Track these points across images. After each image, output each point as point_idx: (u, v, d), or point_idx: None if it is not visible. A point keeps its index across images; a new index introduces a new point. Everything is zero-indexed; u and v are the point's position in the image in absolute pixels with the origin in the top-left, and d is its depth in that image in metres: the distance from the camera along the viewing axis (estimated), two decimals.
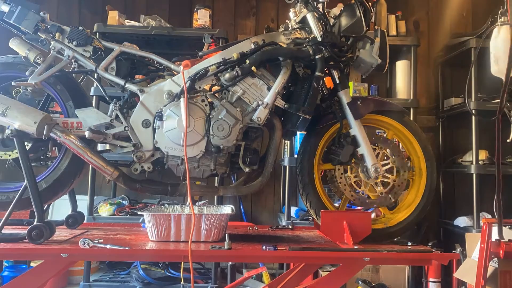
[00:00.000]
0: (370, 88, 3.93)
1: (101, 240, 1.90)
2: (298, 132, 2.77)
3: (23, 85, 2.09)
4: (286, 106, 2.07)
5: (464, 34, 3.99)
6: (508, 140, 3.39)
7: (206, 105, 2.05)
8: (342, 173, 2.18)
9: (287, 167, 3.68)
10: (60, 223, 2.36)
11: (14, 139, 1.97)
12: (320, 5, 2.15)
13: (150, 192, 2.14)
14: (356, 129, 2.15)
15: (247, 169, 2.10)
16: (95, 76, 2.24)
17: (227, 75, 2.04)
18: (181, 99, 1.99)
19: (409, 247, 2.08)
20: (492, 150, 3.70)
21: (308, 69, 2.13)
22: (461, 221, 3.77)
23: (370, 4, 2.18)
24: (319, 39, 2.09)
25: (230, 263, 3.29)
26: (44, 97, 2.21)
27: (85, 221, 2.59)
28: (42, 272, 1.89)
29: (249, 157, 2.10)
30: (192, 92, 2.06)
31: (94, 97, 3.56)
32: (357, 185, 2.20)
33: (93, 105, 2.48)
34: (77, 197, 2.44)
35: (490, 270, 2.31)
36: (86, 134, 2.00)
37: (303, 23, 2.19)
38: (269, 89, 2.06)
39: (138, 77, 2.20)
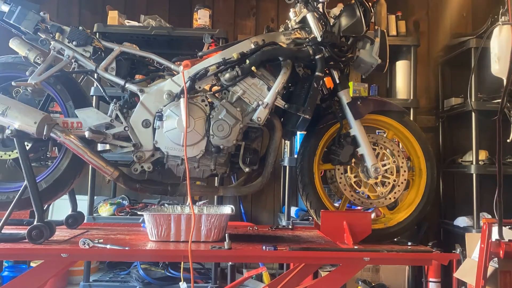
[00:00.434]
0: (370, 88, 3.93)
1: (101, 240, 1.90)
2: (298, 132, 2.77)
3: (23, 85, 2.09)
4: (286, 106, 2.07)
5: (464, 34, 4.00)
6: (508, 140, 3.39)
7: (206, 105, 2.05)
8: (342, 173, 2.18)
9: (287, 167, 3.68)
10: (60, 223, 2.36)
11: (14, 139, 1.97)
12: (320, 5, 2.15)
13: (150, 192, 2.14)
14: (356, 129, 2.15)
15: (247, 169, 2.10)
16: (95, 76, 2.24)
17: (227, 75, 2.04)
18: (181, 99, 1.99)
19: (409, 247, 2.08)
20: (492, 150, 3.70)
21: (308, 69, 2.13)
22: (461, 221, 3.77)
23: (370, 4, 2.18)
24: (319, 39, 2.09)
25: (230, 263, 3.29)
26: (44, 97, 2.21)
27: (85, 221, 2.59)
28: (42, 272, 1.89)
29: (249, 157, 2.10)
30: (192, 92, 2.06)
31: (94, 97, 3.56)
32: (357, 185, 2.20)
33: (93, 105, 2.48)
34: (77, 197, 2.44)
35: (490, 270, 2.31)
36: (86, 134, 2.00)
37: (303, 23, 2.19)
38: (269, 89, 2.06)
39: (138, 77, 2.20)
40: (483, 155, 3.67)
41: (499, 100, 3.61)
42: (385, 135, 2.26)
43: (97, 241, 1.88)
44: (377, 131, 2.91)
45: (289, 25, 2.25)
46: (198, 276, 3.67)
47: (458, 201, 4.18)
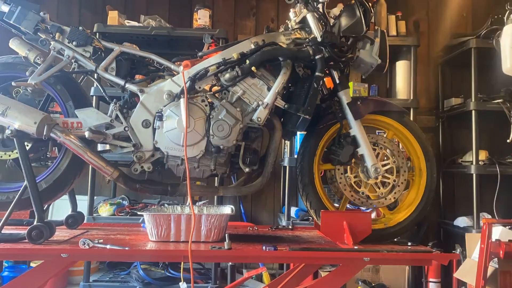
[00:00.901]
0: (370, 88, 3.93)
1: (101, 240, 1.90)
2: (298, 132, 2.77)
3: (23, 85, 2.09)
4: (286, 106, 2.07)
5: (464, 34, 3.99)
6: (508, 140, 3.39)
7: (206, 105, 2.05)
8: (342, 173, 2.18)
9: (287, 167, 3.68)
10: (60, 223, 2.36)
11: (14, 139, 1.97)
12: (320, 5, 2.15)
13: (150, 192, 2.14)
14: (356, 129, 2.15)
15: (247, 169, 2.10)
16: (95, 76, 2.24)
17: (227, 75, 2.04)
18: (181, 99, 1.99)
19: (409, 247, 2.08)
20: (492, 150, 3.70)
21: (308, 69, 2.13)
22: (461, 221, 3.77)
23: (370, 4, 2.18)
24: (319, 39, 2.09)
25: (230, 263, 3.29)
26: (44, 97, 2.21)
27: (85, 221, 2.59)
28: (42, 272, 1.89)
29: (249, 157, 2.10)
30: (192, 92, 2.06)
31: (94, 97, 3.56)
32: (357, 185, 2.20)
33: (93, 105, 2.48)
34: (77, 197, 2.44)
35: (490, 270, 2.31)
36: (86, 134, 2.00)
37: (303, 23, 2.19)
38: (269, 89, 2.06)
39: (138, 77, 2.20)
40: (483, 155, 3.67)
41: (499, 100, 3.62)
42: (385, 135, 2.26)
43: (97, 241, 1.88)
44: (377, 131, 2.91)
45: (289, 25, 2.25)
46: (198, 276, 3.67)
47: (458, 201, 4.18)
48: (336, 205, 2.29)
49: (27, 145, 2.09)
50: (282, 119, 2.14)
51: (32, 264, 3.41)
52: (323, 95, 2.26)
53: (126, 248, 1.86)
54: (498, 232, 2.53)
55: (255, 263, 3.64)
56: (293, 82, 2.14)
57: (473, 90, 3.65)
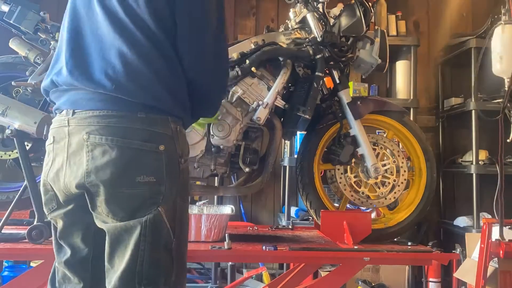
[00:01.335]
0: (370, 88, 3.93)
1: None
2: (298, 132, 2.77)
3: (23, 85, 2.09)
4: (286, 106, 2.07)
5: (464, 34, 3.99)
6: (508, 140, 3.39)
7: None
8: (342, 173, 2.18)
9: (287, 167, 3.67)
10: None
11: (14, 139, 1.97)
12: (320, 5, 2.15)
13: None
14: (356, 129, 2.15)
15: (247, 169, 2.10)
16: None
17: None
18: None
19: (409, 247, 2.08)
20: (492, 150, 3.70)
21: (308, 69, 2.13)
22: (461, 221, 3.76)
23: (370, 4, 2.18)
24: (319, 39, 2.09)
25: (230, 263, 3.29)
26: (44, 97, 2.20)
27: None
28: (42, 272, 1.89)
29: (249, 157, 2.10)
30: None
31: None
32: (357, 185, 2.20)
33: None
34: None
35: (490, 270, 2.31)
36: None
37: (303, 23, 2.19)
38: (269, 89, 2.06)
39: None
40: (483, 155, 3.67)
41: (500, 100, 3.62)
42: (385, 135, 2.26)
43: None
44: (377, 131, 2.91)
45: (289, 25, 2.25)
46: (198, 276, 3.67)
47: (458, 201, 4.18)
48: (336, 205, 2.29)
49: (27, 145, 2.09)
50: (282, 119, 2.14)
51: (32, 264, 3.40)
52: (323, 95, 2.26)
53: None
54: (498, 232, 2.52)
55: (255, 263, 3.64)
56: (293, 82, 2.13)
57: (473, 90, 3.65)
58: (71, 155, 1.30)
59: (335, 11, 2.24)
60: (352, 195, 2.18)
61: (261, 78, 2.07)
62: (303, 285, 2.33)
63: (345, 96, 2.17)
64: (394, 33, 3.86)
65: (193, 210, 2.34)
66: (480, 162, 3.62)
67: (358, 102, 2.18)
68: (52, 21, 2.16)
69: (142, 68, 1.29)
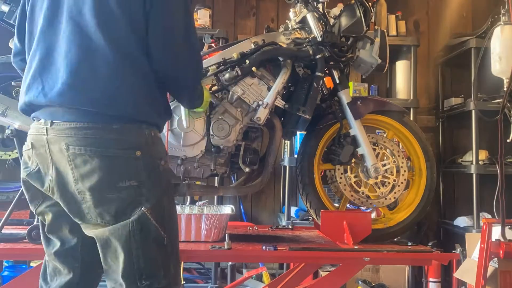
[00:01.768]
0: (370, 88, 3.93)
1: None
2: (298, 132, 2.77)
3: None
4: (286, 106, 2.07)
5: (464, 34, 3.99)
6: (508, 140, 3.39)
7: None
8: (342, 173, 2.19)
9: (287, 167, 3.67)
10: None
11: (14, 139, 1.98)
12: (320, 5, 2.15)
13: None
14: (356, 129, 2.15)
15: (247, 169, 2.10)
16: None
17: (227, 75, 2.04)
18: None
19: (409, 247, 2.08)
20: (492, 150, 3.70)
21: (308, 69, 2.13)
22: (461, 221, 3.76)
23: (370, 4, 2.18)
24: (319, 39, 2.09)
25: (230, 263, 3.28)
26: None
27: None
28: None
29: (249, 157, 2.10)
30: None
31: None
32: (357, 185, 2.20)
33: None
34: None
35: (490, 270, 2.31)
36: None
37: (303, 23, 2.19)
38: (269, 89, 2.06)
39: None
40: (483, 155, 3.67)
41: (500, 100, 3.62)
42: (385, 135, 2.26)
43: None
44: (377, 131, 2.91)
45: (289, 25, 2.25)
46: (198, 276, 3.67)
47: (458, 201, 4.18)
48: (336, 205, 2.29)
49: None
50: (282, 119, 2.14)
51: (32, 264, 3.40)
52: (323, 95, 2.26)
53: None
54: (498, 232, 2.53)
55: (255, 263, 3.64)
56: (293, 82, 2.13)
57: (473, 90, 3.65)
58: (56, 162, 1.36)
59: (335, 11, 2.24)
60: (352, 195, 2.18)
61: (261, 78, 2.07)
62: (303, 285, 2.33)
63: (345, 96, 2.17)
64: (394, 33, 3.86)
65: (193, 210, 2.34)
66: (480, 162, 3.62)
67: (358, 102, 2.18)
68: None
69: (115, 83, 1.35)
